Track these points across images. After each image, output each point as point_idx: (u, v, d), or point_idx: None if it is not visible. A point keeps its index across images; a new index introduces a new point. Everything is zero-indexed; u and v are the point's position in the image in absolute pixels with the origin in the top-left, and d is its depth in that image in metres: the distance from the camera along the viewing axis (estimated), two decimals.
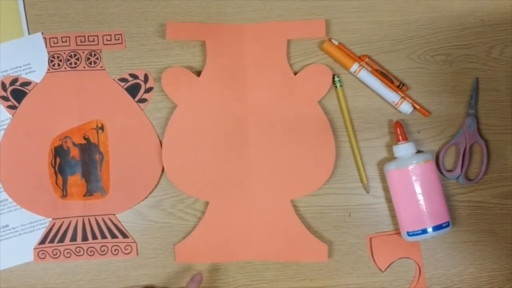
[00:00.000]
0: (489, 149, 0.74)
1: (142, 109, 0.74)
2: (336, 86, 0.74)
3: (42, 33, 0.74)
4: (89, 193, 0.74)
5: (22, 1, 0.74)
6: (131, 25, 0.75)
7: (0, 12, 0.74)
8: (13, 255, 0.73)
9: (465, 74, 0.75)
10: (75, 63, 0.74)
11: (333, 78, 0.74)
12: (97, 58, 0.74)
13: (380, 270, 0.73)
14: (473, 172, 0.74)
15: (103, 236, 0.73)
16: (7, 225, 0.73)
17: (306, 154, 0.73)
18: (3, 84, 0.74)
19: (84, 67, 0.74)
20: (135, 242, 0.74)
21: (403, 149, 0.71)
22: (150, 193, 0.74)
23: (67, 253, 0.73)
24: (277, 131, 0.73)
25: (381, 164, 0.74)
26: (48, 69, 0.74)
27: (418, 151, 0.72)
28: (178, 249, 0.72)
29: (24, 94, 0.74)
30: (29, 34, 0.74)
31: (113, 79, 0.74)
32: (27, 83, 0.74)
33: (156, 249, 0.74)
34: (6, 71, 0.74)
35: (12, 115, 0.73)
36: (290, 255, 0.73)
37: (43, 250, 0.73)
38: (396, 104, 0.73)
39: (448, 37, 0.75)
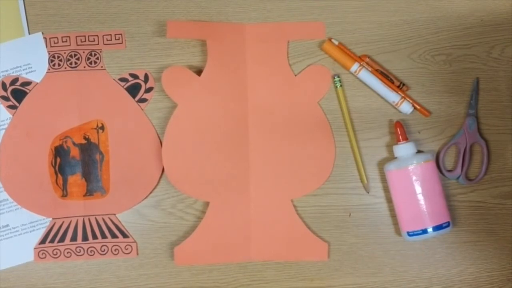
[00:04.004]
0: (489, 149, 0.74)
1: (142, 109, 0.74)
2: (336, 86, 0.74)
3: (42, 33, 0.74)
4: (89, 193, 0.74)
5: (22, 1, 0.74)
6: (131, 25, 0.75)
7: (0, 12, 0.74)
8: (13, 255, 0.73)
9: (465, 74, 0.75)
10: (76, 63, 0.74)
11: (333, 78, 0.74)
12: (97, 58, 0.74)
13: None
14: (473, 172, 0.75)
15: (103, 236, 0.73)
16: (7, 225, 0.73)
17: (306, 154, 0.73)
18: (4, 84, 0.74)
19: (84, 67, 0.74)
20: (135, 242, 0.74)
21: (403, 149, 0.71)
22: (150, 193, 0.74)
23: (68, 253, 0.73)
24: (277, 131, 0.73)
25: (381, 164, 0.74)
26: (49, 69, 0.74)
27: (418, 151, 0.72)
28: (177, 252, 0.72)
29: (24, 94, 0.74)
30: (29, 34, 0.74)
31: (113, 79, 0.74)
32: (28, 83, 0.74)
33: (156, 249, 0.74)
34: (7, 71, 0.74)
35: (13, 115, 0.74)
36: (291, 254, 0.73)
37: (44, 250, 0.73)
38: (396, 104, 0.73)
39: (448, 37, 0.75)
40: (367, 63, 0.74)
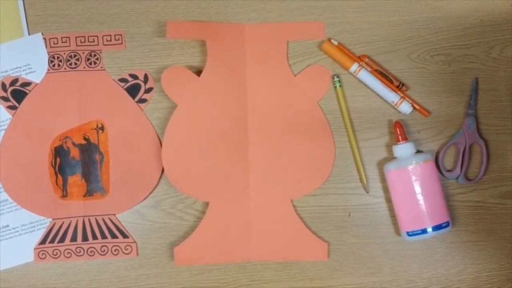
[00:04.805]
0: (488, 149, 0.74)
1: (142, 109, 0.74)
2: (336, 86, 0.74)
3: (42, 34, 0.74)
4: (89, 193, 0.74)
5: (22, 2, 0.74)
6: (131, 25, 0.75)
7: (0, 13, 0.74)
8: (14, 255, 0.73)
9: (464, 74, 0.75)
10: (75, 64, 0.74)
11: (333, 78, 0.74)
12: (97, 59, 0.74)
13: None
14: (472, 172, 0.75)
15: (103, 236, 0.73)
16: (7, 225, 0.73)
17: (305, 154, 0.73)
18: (3, 85, 0.74)
19: (84, 67, 0.74)
20: (135, 242, 0.74)
21: (403, 149, 0.71)
22: (150, 193, 0.74)
23: (68, 253, 0.73)
24: (277, 131, 0.73)
25: (380, 164, 0.74)
26: (48, 70, 0.74)
27: (418, 151, 0.72)
28: (177, 252, 0.72)
29: (24, 94, 0.74)
30: (29, 34, 0.74)
31: (113, 80, 0.74)
32: (27, 84, 0.74)
33: (156, 249, 0.74)
34: (6, 71, 0.74)
35: (12, 116, 0.74)
36: (291, 254, 0.73)
37: (44, 250, 0.73)
38: (396, 104, 0.73)
39: (447, 37, 0.75)
40: (366, 63, 0.74)
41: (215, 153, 0.73)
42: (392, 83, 0.74)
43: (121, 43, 0.75)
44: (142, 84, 0.74)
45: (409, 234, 0.70)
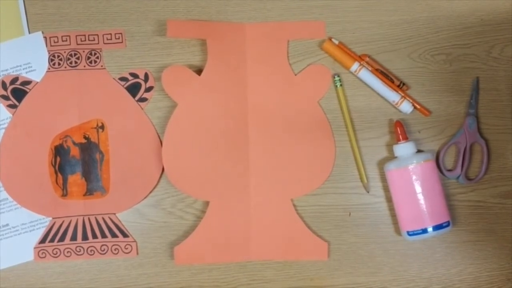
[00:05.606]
0: (489, 148, 0.74)
1: (142, 108, 0.74)
2: (336, 86, 0.74)
3: (43, 32, 0.74)
4: (89, 192, 0.74)
5: (22, 0, 0.74)
6: (132, 24, 0.75)
7: (0, 11, 0.74)
8: (13, 255, 0.73)
9: (465, 73, 0.75)
10: (76, 62, 0.74)
11: (333, 77, 0.74)
12: (97, 57, 0.74)
13: None
14: (473, 171, 0.75)
15: (103, 236, 0.73)
16: (7, 224, 0.73)
17: (306, 154, 0.73)
18: (4, 83, 0.74)
19: (84, 66, 0.74)
20: (135, 241, 0.74)
21: (403, 149, 0.71)
22: (150, 192, 0.74)
23: (67, 252, 0.73)
24: (277, 131, 0.73)
25: (381, 164, 0.74)
26: (49, 68, 0.74)
27: (418, 151, 0.72)
28: (177, 251, 0.72)
29: (24, 93, 0.74)
30: (29, 33, 0.74)
31: (114, 78, 0.74)
32: (28, 82, 0.74)
33: (156, 249, 0.74)
34: (7, 70, 0.74)
35: (13, 114, 0.73)
36: (291, 253, 0.73)
37: (43, 250, 0.73)
38: (397, 104, 0.73)
39: (448, 36, 0.75)
40: (367, 63, 0.74)
41: (215, 152, 0.73)
42: (392, 82, 0.74)
43: (122, 42, 0.75)
44: (142, 83, 0.74)
45: (410, 233, 0.70)
